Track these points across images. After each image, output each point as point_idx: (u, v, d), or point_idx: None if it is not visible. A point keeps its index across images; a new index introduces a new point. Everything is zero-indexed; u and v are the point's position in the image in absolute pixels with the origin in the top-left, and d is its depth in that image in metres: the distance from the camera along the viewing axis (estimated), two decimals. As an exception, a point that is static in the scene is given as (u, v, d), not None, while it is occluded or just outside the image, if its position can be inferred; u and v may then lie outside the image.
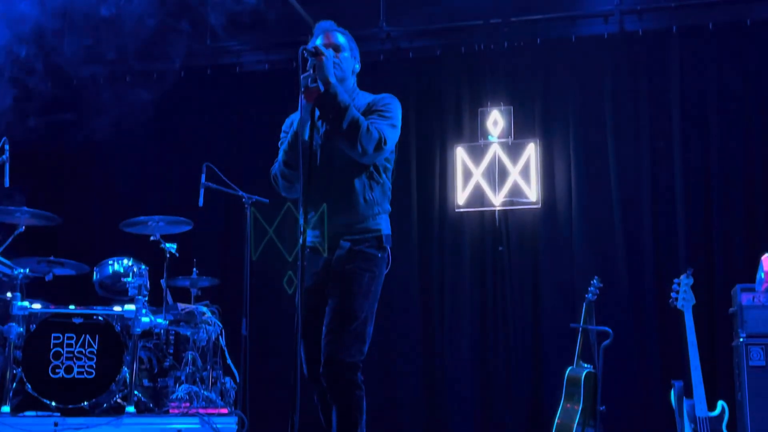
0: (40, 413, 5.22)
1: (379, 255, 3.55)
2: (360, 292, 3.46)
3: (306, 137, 3.38)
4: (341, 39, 3.65)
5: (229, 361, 6.08)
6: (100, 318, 5.45)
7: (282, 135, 3.69)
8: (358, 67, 3.72)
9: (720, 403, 5.28)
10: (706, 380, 5.28)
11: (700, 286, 6.14)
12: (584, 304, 5.91)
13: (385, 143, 3.46)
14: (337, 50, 3.59)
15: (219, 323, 6.04)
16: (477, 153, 7.37)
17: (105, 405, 5.36)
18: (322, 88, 3.39)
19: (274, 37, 7.67)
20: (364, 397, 3.43)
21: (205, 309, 6.02)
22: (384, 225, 3.58)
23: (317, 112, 3.48)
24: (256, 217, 5.53)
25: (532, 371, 6.97)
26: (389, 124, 3.53)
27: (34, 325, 5.45)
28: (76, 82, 8.05)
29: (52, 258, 5.94)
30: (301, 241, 3.24)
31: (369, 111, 3.55)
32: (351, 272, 3.46)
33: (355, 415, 3.39)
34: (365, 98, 3.65)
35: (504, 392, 6.96)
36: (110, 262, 5.99)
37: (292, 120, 3.67)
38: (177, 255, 6.01)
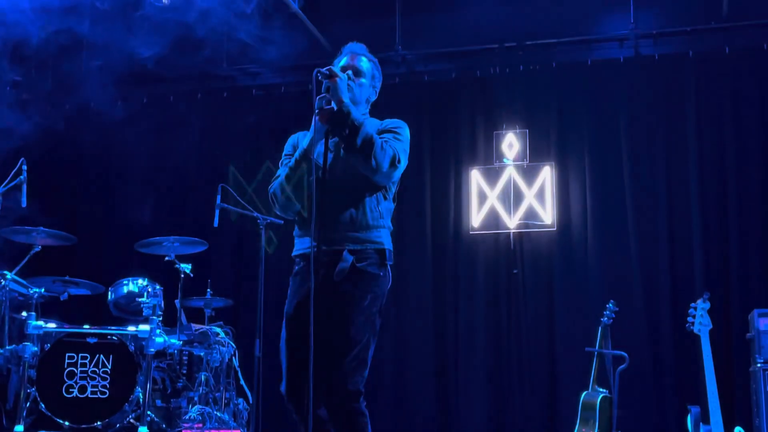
0: (53, 433, 5.23)
1: (381, 274, 3.47)
2: (360, 318, 3.37)
3: (316, 157, 3.38)
4: (365, 65, 3.62)
5: (242, 382, 6.07)
6: (114, 338, 5.46)
7: (284, 155, 3.65)
8: (374, 97, 3.69)
9: (737, 430, 5.22)
10: (723, 406, 5.21)
11: (717, 310, 6.08)
12: (600, 328, 5.87)
13: (399, 161, 3.42)
14: (357, 74, 3.57)
15: (232, 344, 6.04)
16: (492, 175, 7.37)
17: (118, 425, 5.35)
18: (335, 108, 3.36)
19: (291, 60, 7.70)
20: (369, 423, 3.35)
21: (218, 330, 6.02)
22: (386, 240, 3.52)
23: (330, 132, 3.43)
24: (269, 237, 5.54)
25: (546, 395, 6.92)
26: (402, 147, 3.50)
27: (49, 345, 5.46)
28: (93, 104, 8.12)
29: (67, 278, 5.97)
30: (311, 254, 3.23)
31: (380, 133, 3.52)
32: (350, 294, 3.37)
33: None
34: (375, 123, 3.61)
35: (518, 416, 6.91)
36: (125, 282, 6.00)
37: (297, 139, 3.64)
38: (191, 275, 6.02)
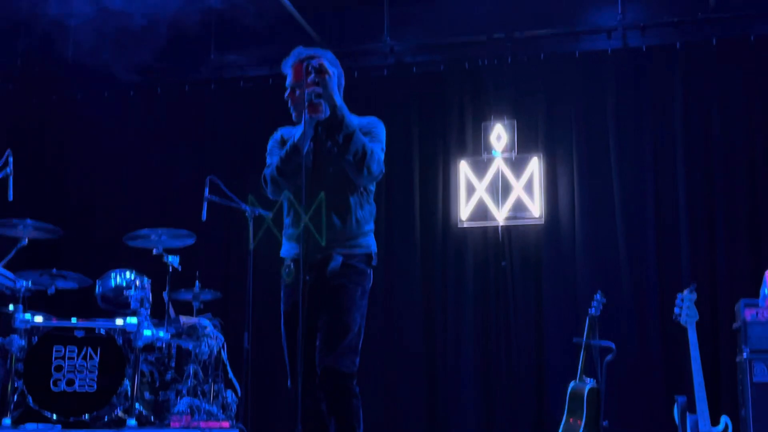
0: (41, 426, 5.20)
1: (368, 271, 3.63)
2: (353, 307, 3.52)
3: (306, 150, 3.43)
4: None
5: (230, 374, 6.06)
6: (102, 331, 5.43)
7: (270, 144, 3.72)
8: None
9: (723, 419, 5.26)
10: (709, 396, 5.25)
11: (704, 301, 6.11)
12: (587, 319, 5.90)
13: (382, 165, 3.55)
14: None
15: (221, 336, 6.03)
16: (480, 167, 7.37)
17: (106, 418, 5.33)
18: (324, 105, 3.44)
19: (278, 52, 7.65)
20: (360, 407, 3.49)
21: (207, 322, 6.01)
22: (372, 243, 3.67)
23: (319, 129, 3.52)
24: (257, 230, 5.53)
25: (535, 386, 6.95)
26: (381, 147, 3.59)
27: (36, 338, 5.43)
28: (81, 96, 8.09)
29: (54, 271, 5.94)
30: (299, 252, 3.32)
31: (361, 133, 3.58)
32: (343, 286, 3.52)
33: (353, 424, 3.46)
34: (354, 121, 3.65)
35: (507, 407, 6.94)
36: (112, 275, 5.97)
37: (286, 134, 3.68)
38: (179, 268, 6.00)
